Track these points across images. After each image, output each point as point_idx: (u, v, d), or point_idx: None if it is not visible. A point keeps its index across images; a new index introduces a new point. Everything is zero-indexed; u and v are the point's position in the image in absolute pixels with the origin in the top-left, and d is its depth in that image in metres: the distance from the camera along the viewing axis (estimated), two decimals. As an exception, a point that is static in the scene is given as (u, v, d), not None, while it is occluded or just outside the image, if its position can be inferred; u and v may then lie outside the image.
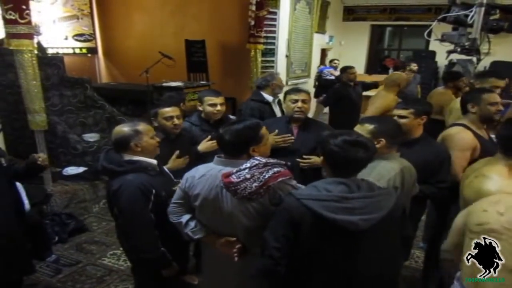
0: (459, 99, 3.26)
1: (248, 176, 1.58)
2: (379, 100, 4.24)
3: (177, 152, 2.56)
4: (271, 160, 1.66)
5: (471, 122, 2.50)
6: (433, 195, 2.33)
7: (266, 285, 1.71)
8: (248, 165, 1.61)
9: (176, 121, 2.63)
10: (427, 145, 2.40)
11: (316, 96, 7.81)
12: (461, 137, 2.43)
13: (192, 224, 1.82)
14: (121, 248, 2.80)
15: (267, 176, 1.59)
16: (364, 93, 5.63)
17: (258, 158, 1.65)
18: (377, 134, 1.98)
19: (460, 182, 2.03)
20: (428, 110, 2.47)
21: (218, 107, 2.89)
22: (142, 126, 2.04)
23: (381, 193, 1.51)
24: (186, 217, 1.84)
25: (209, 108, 2.88)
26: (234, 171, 1.61)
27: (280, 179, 1.62)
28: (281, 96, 3.41)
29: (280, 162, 1.69)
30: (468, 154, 2.37)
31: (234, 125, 1.73)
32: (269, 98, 3.54)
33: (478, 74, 3.55)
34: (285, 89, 3.30)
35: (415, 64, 6.60)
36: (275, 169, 1.63)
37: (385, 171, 1.92)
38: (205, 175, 1.72)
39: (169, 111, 2.62)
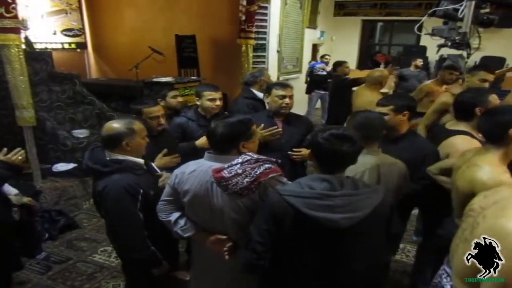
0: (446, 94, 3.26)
1: (239, 171, 1.56)
2: (359, 99, 4.22)
3: (165, 150, 2.52)
4: (262, 157, 1.65)
5: (473, 128, 2.27)
6: (415, 192, 2.21)
7: (256, 281, 1.71)
8: (240, 160, 1.60)
9: (161, 120, 2.63)
10: (412, 141, 2.34)
11: (308, 92, 7.70)
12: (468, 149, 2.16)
13: (182, 222, 1.78)
14: (111, 245, 2.78)
15: (258, 172, 1.57)
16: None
17: (250, 154, 1.63)
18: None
19: (452, 172, 2.02)
20: (411, 104, 2.36)
21: (218, 102, 2.88)
22: (137, 126, 1.98)
23: (365, 191, 1.48)
24: (175, 215, 1.80)
25: (208, 103, 2.86)
26: (226, 166, 1.59)
27: (271, 175, 1.61)
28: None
29: (271, 159, 1.68)
30: None
31: (227, 119, 1.71)
32: (259, 94, 3.52)
33: (470, 69, 3.55)
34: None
35: (420, 60, 6.65)
36: (266, 165, 1.62)
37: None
38: (195, 171, 1.70)
39: (155, 110, 2.61)
